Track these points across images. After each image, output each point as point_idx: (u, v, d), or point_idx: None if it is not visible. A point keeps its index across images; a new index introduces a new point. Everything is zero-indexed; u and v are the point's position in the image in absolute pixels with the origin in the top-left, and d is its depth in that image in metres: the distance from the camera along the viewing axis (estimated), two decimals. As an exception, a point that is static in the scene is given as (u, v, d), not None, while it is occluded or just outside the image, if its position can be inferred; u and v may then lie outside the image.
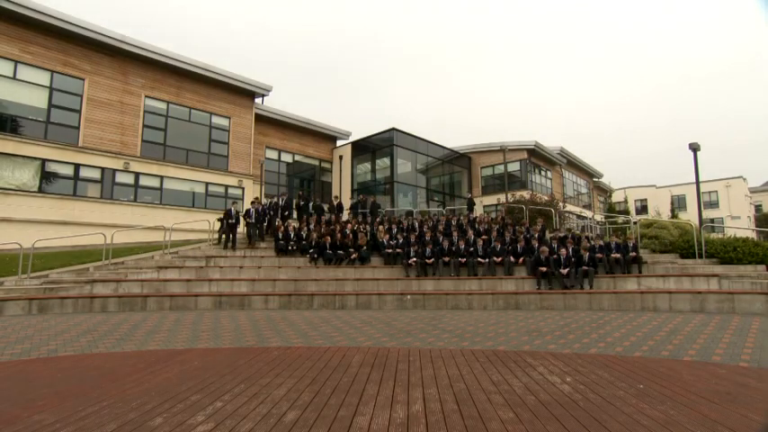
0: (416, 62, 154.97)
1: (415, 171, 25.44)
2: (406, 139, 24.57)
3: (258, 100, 22.28)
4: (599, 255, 11.03)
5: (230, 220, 13.89)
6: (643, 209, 40.49)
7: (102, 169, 16.66)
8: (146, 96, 18.20)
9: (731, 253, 10.99)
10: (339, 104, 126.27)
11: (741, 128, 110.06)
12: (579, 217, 27.42)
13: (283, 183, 24.93)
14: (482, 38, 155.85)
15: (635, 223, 18.18)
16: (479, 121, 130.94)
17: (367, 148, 25.42)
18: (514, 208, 19.26)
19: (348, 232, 13.18)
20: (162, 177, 18.25)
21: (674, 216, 31.08)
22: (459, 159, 28.37)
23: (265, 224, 15.22)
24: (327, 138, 27.03)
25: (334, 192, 26.43)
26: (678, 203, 39.58)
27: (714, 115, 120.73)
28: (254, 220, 14.47)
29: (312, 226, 14.32)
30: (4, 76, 14.92)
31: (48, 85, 15.75)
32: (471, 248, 11.70)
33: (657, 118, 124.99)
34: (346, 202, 25.20)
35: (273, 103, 25.40)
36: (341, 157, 26.29)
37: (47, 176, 15.45)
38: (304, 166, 26.14)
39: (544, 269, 10.47)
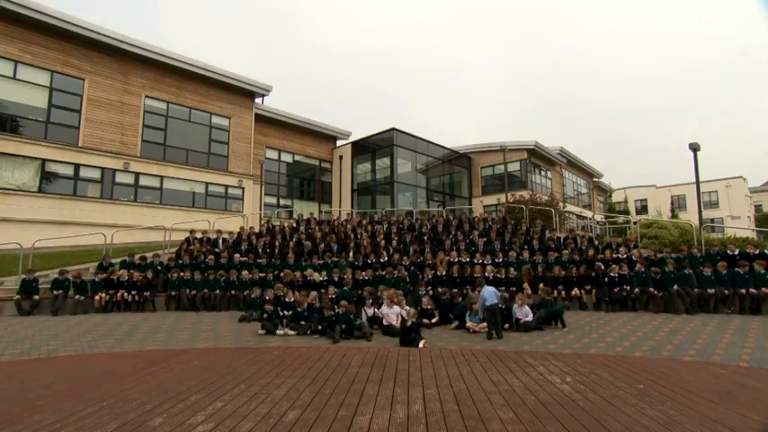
0: (417, 60, 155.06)
1: (415, 171, 25.43)
2: (405, 139, 24.57)
3: (258, 100, 22.29)
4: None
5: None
6: (643, 209, 40.47)
7: (102, 169, 16.65)
8: (146, 96, 18.19)
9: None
10: (339, 103, 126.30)
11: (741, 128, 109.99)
12: (579, 217, 27.42)
13: (283, 183, 24.94)
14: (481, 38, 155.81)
15: (635, 223, 18.19)
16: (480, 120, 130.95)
17: (367, 148, 25.41)
18: (514, 208, 19.26)
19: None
20: (162, 177, 18.23)
21: (674, 216, 31.07)
22: (459, 159, 28.37)
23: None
24: (327, 138, 27.02)
25: (335, 191, 26.44)
26: (678, 203, 39.58)
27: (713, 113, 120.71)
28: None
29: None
30: (4, 76, 14.90)
31: (48, 85, 15.73)
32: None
33: (657, 116, 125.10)
34: (346, 203, 25.27)
35: (274, 104, 25.43)
36: (341, 157, 26.28)
37: (47, 176, 15.43)
38: (304, 166, 26.11)
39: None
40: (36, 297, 9.77)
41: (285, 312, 8.33)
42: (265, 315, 7.76)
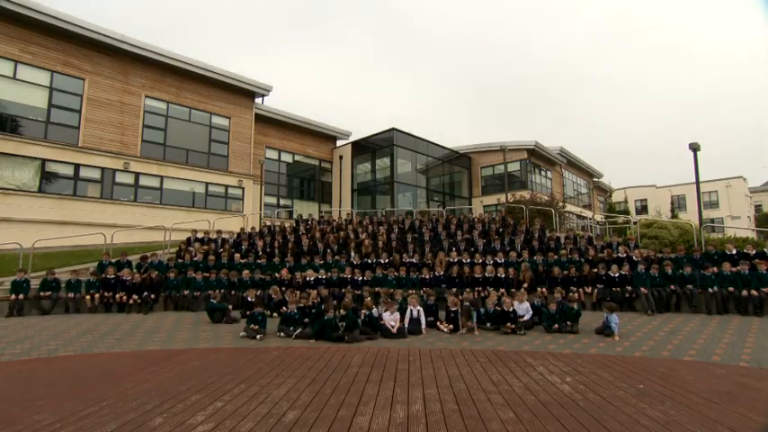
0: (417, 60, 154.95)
1: (415, 171, 25.43)
2: (406, 139, 24.56)
3: (258, 100, 22.29)
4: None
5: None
6: (643, 209, 40.46)
7: (102, 169, 16.64)
8: (146, 96, 18.18)
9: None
10: (340, 102, 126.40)
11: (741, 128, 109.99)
12: (579, 217, 27.41)
13: (283, 183, 24.95)
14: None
15: (635, 223, 18.19)
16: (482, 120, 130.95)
17: (367, 148, 25.41)
18: (514, 208, 19.25)
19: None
20: (162, 177, 18.23)
21: (674, 216, 31.07)
22: (460, 159, 28.37)
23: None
24: (327, 138, 27.02)
25: (335, 191, 26.44)
26: (678, 203, 39.58)
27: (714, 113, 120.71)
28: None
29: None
30: (4, 76, 14.89)
31: (48, 85, 15.72)
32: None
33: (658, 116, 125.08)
34: (346, 203, 25.26)
35: (274, 103, 25.35)
36: (341, 157, 26.28)
37: (47, 176, 15.42)
38: (304, 166, 26.12)
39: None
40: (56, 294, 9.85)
41: (274, 315, 8.29)
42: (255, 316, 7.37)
